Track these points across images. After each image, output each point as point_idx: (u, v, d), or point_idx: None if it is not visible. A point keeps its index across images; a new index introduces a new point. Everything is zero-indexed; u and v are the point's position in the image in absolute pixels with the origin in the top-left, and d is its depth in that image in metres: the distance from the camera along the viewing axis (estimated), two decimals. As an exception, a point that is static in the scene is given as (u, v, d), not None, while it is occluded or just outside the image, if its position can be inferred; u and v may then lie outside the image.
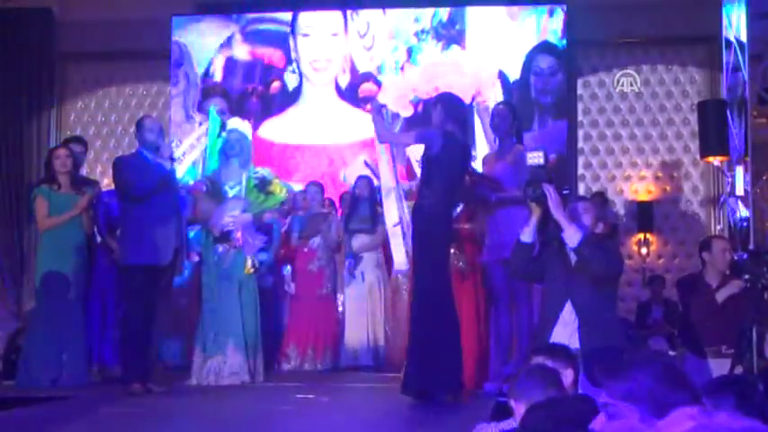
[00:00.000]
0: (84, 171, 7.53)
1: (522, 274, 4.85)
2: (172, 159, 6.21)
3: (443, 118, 5.34)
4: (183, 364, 6.83)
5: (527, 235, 4.57)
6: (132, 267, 5.92)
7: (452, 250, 5.81)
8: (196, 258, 7.13)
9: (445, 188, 5.26)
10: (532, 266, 4.63)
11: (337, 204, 8.39)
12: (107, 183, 8.46)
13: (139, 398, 5.68)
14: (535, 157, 4.71)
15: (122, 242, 6.12)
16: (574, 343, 4.26)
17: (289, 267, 7.82)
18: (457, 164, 5.33)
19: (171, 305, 6.25)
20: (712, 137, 7.99)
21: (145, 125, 6.12)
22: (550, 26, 9.55)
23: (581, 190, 9.56)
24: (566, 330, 4.35)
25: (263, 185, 6.44)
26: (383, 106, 5.97)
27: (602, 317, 4.39)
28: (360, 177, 7.99)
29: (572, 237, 4.34)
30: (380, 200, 6.13)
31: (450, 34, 9.71)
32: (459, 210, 5.89)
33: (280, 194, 6.60)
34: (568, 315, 4.39)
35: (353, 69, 9.90)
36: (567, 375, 3.33)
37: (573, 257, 4.43)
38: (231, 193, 6.40)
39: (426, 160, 5.32)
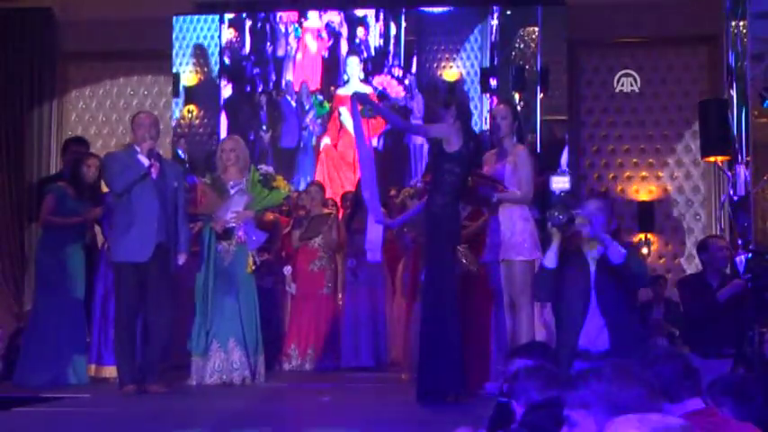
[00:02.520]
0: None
1: (547, 298, 4.83)
2: (157, 156, 6.00)
3: (455, 120, 5.38)
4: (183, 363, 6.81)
5: (550, 260, 4.54)
6: (116, 265, 5.91)
7: (463, 251, 5.81)
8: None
9: (456, 187, 5.27)
10: (555, 288, 4.60)
11: (339, 204, 8.39)
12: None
13: (139, 398, 5.67)
14: (560, 182, 4.70)
15: (110, 239, 6.12)
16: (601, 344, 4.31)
17: (290, 267, 7.82)
18: (471, 163, 5.36)
19: (170, 303, 6.15)
20: (713, 137, 7.97)
21: (135, 121, 6.09)
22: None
23: (583, 190, 9.53)
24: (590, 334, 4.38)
25: (267, 181, 6.43)
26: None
27: (629, 324, 4.43)
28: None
29: (616, 254, 4.36)
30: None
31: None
32: (467, 210, 5.89)
33: (284, 190, 6.60)
34: (591, 318, 4.41)
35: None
36: None
37: (593, 271, 4.44)
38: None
39: (441, 156, 5.33)
